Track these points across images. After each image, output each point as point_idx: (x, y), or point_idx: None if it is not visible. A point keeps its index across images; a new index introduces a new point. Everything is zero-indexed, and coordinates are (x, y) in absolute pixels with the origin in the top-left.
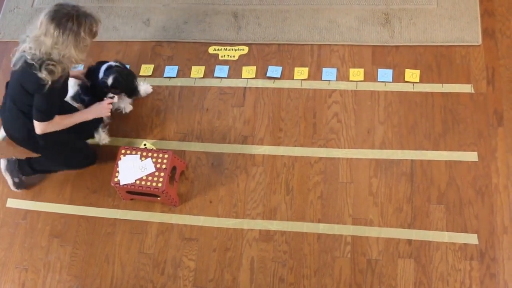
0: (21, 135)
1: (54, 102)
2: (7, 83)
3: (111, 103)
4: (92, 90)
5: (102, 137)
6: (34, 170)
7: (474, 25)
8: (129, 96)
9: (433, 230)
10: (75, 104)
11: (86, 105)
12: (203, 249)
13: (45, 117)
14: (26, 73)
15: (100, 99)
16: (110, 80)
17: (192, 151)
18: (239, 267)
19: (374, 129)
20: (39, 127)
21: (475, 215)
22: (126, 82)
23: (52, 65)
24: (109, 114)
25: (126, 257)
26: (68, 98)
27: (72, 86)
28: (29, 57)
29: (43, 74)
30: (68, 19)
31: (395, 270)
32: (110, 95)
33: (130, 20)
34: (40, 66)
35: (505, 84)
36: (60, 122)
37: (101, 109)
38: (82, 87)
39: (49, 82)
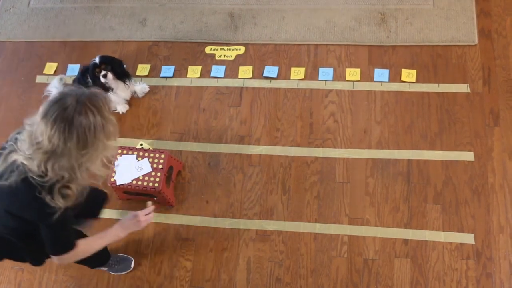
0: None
1: (70, 228)
2: None
3: (149, 213)
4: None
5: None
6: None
7: (470, 25)
8: (120, 78)
9: (430, 229)
10: None
11: None
12: (200, 249)
13: (65, 248)
14: (22, 197)
15: None
16: (97, 59)
17: (189, 151)
18: (235, 267)
19: (371, 129)
20: (59, 261)
21: (471, 214)
22: (112, 59)
23: (68, 187)
24: (145, 225)
25: None
26: None
27: (58, 87)
28: (34, 177)
29: (56, 201)
30: (93, 114)
31: (392, 270)
32: (103, 73)
33: (126, 20)
34: (51, 189)
35: (501, 84)
36: (87, 250)
37: (139, 224)
38: (76, 83)
39: (62, 209)
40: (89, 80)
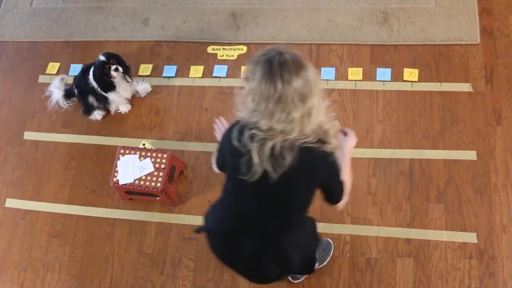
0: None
1: None
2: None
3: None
4: (85, 88)
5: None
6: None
7: (472, 24)
8: (125, 72)
9: (432, 229)
10: (66, 103)
11: (78, 99)
12: (202, 248)
13: (344, 188)
14: (311, 166)
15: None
16: (102, 56)
17: (191, 150)
18: None
19: (373, 128)
20: (343, 204)
21: (474, 213)
22: (116, 55)
23: (329, 128)
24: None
25: (125, 257)
26: (60, 97)
27: (59, 87)
28: (304, 141)
29: (334, 144)
30: (300, 58)
31: (394, 269)
32: (114, 67)
33: (128, 19)
34: (321, 140)
35: (503, 83)
36: (348, 180)
37: (353, 141)
38: (76, 81)
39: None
40: (90, 81)
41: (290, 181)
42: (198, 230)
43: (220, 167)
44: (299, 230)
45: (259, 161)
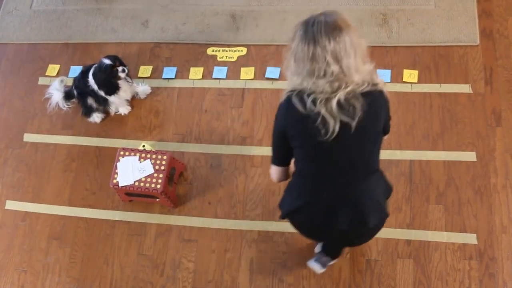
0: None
1: None
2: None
3: None
4: (84, 90)
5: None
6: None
7: (472, 26)
8: (128, 74)
9: (432, 230)
10: (66, 104)
11: (78, 101)
12: (202, 250)
13: None
14: (374, 105)
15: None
16: (107, 60)
17: (191, 152)
18: (238, 268)
19: None
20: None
21: (473, 215)
22: (118, 57)
23: (371, 70)
24: None
25: (125, 258)
26: (60, 99)
27: (59, 89)
28: (362, 89)
29: (379, 84)
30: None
31: (394, 270)
32: (120, 69)
33: (128, 21)
34: (374, 83)
35: (503, 84)
36: None
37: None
38: (75, 83)
39: None
40: (90, 83)
41: (365, 127)
42: (284, 215)
43: (283, 161)
44: (378, 174)
45: (333, 118)
